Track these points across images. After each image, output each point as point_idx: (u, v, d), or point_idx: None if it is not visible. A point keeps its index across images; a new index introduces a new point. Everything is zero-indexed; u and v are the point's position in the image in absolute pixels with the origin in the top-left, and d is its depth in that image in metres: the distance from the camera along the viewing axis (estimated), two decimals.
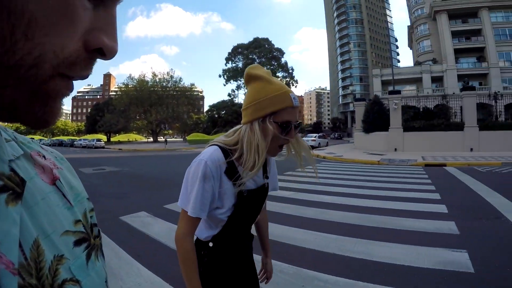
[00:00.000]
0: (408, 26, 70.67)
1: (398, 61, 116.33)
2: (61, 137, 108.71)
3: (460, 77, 48.83)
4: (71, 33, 0.34)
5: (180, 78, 71.74)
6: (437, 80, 55.06)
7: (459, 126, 25.69)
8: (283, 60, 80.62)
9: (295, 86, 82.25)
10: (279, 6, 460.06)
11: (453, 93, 36.71)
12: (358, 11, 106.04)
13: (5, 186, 0.38)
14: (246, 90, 1.59)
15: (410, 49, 74.91)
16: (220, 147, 1.54)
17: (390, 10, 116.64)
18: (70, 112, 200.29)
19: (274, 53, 79.60)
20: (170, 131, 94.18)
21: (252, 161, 1.47)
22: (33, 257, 0.38)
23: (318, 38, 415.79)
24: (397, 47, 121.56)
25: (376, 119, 27.97)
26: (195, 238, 1.61)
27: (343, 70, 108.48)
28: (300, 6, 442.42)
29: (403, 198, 8.79)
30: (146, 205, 7.96)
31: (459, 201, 8.48)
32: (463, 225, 6.27)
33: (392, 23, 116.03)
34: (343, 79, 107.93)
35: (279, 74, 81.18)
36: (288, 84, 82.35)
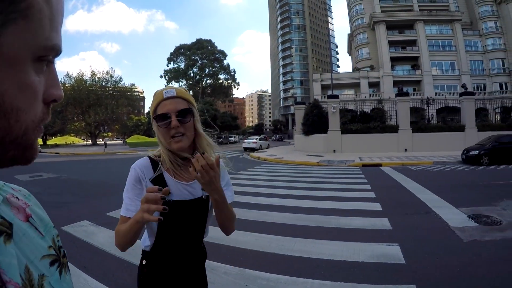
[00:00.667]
0: (348, 34, 72.93)
1: (338, 67, 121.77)
2: None
3: (396, 83, 50.94)
4: (37, 104, 0.47)
5: (121, 77, 68.45)
6: (374, 85, 57.25)
7: (394, 129, 27.14)
8: (225, 62, 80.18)
9: (237, 89, 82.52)
10: (224, 8, 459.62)
11: (389, 98, 38.18)
12: (301, 17, 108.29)
13: (3, 230, 0.50)
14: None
15: (350, 55, 77.42)
16: (149, 157, 1.65)
17: (332, 18, 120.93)
18: None
19: (217, 55, 78.96)
20: (110, 134, 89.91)
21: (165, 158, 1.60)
22: (27, 278, 0.51)
23: (261, 41, 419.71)
24: (337, 53, 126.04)
25: (316, 122, 28.57)
26: (141, 247, 1.70)
27: (284, 74, 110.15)
28: (245, 9, 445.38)
29: (340, 197, 9.20)
30: (88, 214, 7.61)
31: (392, 199, 9.05)
32: (396, 220, 6.72)
33: (333, 30, 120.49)
34: (285, 82, 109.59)
35: (221, 76, 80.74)
36: (229, 86, 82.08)
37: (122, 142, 73.14)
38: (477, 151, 18.01)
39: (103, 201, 9.26)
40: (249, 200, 8.71)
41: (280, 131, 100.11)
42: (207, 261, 1.80)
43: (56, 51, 0.47)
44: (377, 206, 8.06)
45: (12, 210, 0.56)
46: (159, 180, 1.56)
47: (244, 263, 4.61)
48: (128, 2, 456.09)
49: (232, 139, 65.66)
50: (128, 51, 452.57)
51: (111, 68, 77.59)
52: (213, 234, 5.15)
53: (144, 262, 1.64)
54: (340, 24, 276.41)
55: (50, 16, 0.44)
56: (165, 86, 1.76)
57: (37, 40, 0.43)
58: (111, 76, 63.85)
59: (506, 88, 52.68)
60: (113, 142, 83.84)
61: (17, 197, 0.61)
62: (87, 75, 61.82)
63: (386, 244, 5.33)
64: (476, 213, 7.34)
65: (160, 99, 1.56)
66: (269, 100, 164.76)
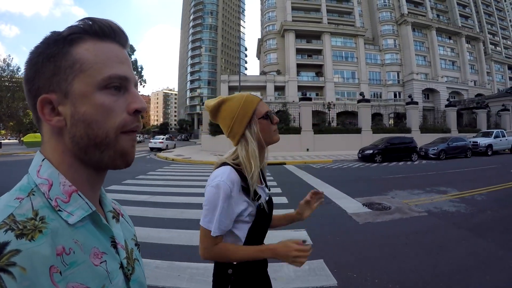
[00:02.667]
0: (258, 38, 74.19)
1: (246, 69, 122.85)
2: None
3: (300, 88, 53.04)
4: (114, 115, 0.70)
5: (19, 67, 60.43)
6: (280, 89, 59.12)
7: (297, 130, 28.06)
8: (133, 57, 76.67)
9: (143, 86, 78.73)
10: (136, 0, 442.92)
11: (293, 101, 39.68)
12: (215, 18, 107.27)
13: (114, 216, 0.84)
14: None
15: (258, 59, 79.08)
16: (233, 167, 1.59)
17: (244, 22, 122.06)
18: None
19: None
20: (3, 131, 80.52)
21: (253, 168, 1.58)
22: (125, 245, 0.81)
23: (172, 38, 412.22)
24: (246, 56, 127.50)
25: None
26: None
27: (192, 73, 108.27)
28: (159, 3, 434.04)
29: None
30: None
31: (297, 193, 9.56)
32: None
33: (244, 34, 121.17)
34: (192, 81, 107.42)
35: None
36: (136, 84, 78.88)
37: (17, 141, 66.01)
38: (372, 151, 19.87)
39: None
40: (164, 200, 8.79)
41: (185, 130, 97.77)
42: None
43: (120, 78, 0.71)
44: (284, 200, 8.70)
45: (114, 208, 0.88)
46: (247, 189, 1.58)
47: (172, 256, 4.83)
48: None
49: (137, 138, 63.10)
50: (29, 36, 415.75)
51: (9, 56, 68.88)
52: (139, 232, 4.74)
53: (230, 271, 1.61)
54: (251, 29, 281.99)
55: (101, 61, 0.69)
56: None
57: (94, 79, 0.68)
58: (8, 65, 55.76)
59: (399, 96, 58.83)
60: (7, 141, 75.59)
61: (115, 203, 0.93)
62: None
63: (295, 230, 5.87)
64: (369, 201, 8.43)
65: (258, 100, 1.65)
66: (175, 99, 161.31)
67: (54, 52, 0.67)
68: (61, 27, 0.76)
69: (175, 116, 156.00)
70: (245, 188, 1.56)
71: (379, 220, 6.75)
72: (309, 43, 61.05)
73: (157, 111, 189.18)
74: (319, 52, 60.77)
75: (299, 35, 60.65)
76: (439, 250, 4.97)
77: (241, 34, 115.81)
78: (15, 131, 71.09)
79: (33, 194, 0.65)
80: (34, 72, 0.68)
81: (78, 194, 0.70)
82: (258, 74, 67.16)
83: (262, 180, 1.75)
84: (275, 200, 7.18)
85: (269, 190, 1.81)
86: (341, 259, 4.71)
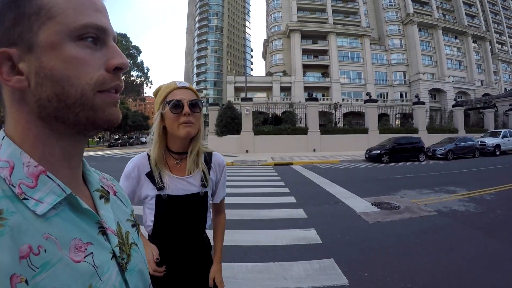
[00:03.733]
0: (264, 39, 74.26)
1: (252, 70, 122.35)
2: None
3: (306, 89, 53.02)
4: (90, 70, 0.58)
5: None
6: (286, 89, 58.83)
7: (304, 131, 28.09)
8: (139, 59, 76.64)
9: (149, 87, 78.84)
10: (143, 1, 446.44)
11: (299, 102, 39.53)
12: (220, 19, 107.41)
13: (102, 195, 0.71)
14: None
15: (264, 60, 79.14)
16: (148, 154, 1.71)
17: (250, 23, 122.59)
18: None
19: (131, 51, 75.31)
20: None
21: (153, 153, 1.65)
22: (118, 230, 0.70)
23: (178, 39, 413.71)
24: (252, 57, 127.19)
25: (229, 123, 28.58)
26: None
27: (198, 74, 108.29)
28: (165, 5, 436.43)
29: (258, 193, 9.75)
30: None
31: (305, 192, 9.87)
32: (310, 210, 7.48)
33: (250, 35, 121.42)
34: (198, 82, 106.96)
35: (134, 74, 76.98)
36: (142, 84, 79.00)
37: None
38: (379, 151, 19.82)
39: None
40: None
41: None
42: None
43: (97, 28, 0.58)
44: (292, 199, 8.74)
45: (103, 186, 0.75)
46: (152, 174, 1.64)
47: None
48: None
49: (144, 139, 63.00)
50: None
51: None
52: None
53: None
54: (257, 29, 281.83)
55: (74, 7, 0.57)
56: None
57: (65, 27, 0.55)
58: None
59: (406, 97, 58.32)
60: None
61: (106, 179, 0.82)
62: None
63: (303, 229, 5.98)
64: (378, 201, 8.40)
65: (173, 87, 1.63)
66: None
67: None
68: None
69: None
70: (151, 175, 1.64)
71: (388, 219, 6.75)
72: (315, 44, 60.77)
73: None
74: (325, 52, 60.47)
75: (305, 35, 60.42)
76: (450, 249, 4.95)
77: (247, 35, 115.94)
78: None
79: None
80: None
81: (47, 176, 0.57)
82: (264, 75, 67.12)
83: (192, 171, 1.69)
84: (283, 199, 9.15)
85: (206, 186, 1.71)
86: (351, 258, 4.68)
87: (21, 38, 0.55)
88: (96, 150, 43.34)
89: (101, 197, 0.70)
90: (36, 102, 0.56)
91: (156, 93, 1.73)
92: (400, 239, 5.50)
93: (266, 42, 71.40)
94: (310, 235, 5.65)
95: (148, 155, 1.69)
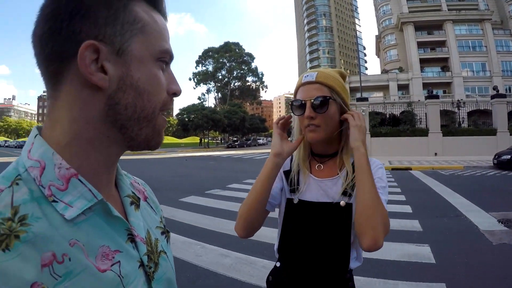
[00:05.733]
0: (376, 35, 72.35)
1: (366, 69, 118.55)
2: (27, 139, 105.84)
3: (425, 85, 50.16)
4: (162, 90, 0.63)
5: None
6: (403, 87, 56.44)
7: (424, 132, 26.83)
8: (253, 65, 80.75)
9: (265, 91, 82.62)
10: (253, 10, 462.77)
11: (418, 100, 37.72)
12: (328, 19, 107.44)
13: (132, 201, 0.70)
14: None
15: (378, 57, 76.62)
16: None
17: (359, 19, 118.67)
18: (36, 112, 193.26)
19: (245, 58, 79.57)
20: None
21: (299, 151, 1.50)
22: (148, 237, 0.69)
23: (289, 43, 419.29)
24: (365, 55, 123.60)
25: None
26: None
27: None
28: (273, 11, 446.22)
29: None
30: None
31: (422, 202, 9.13)
32: (426, 223, 6.88)
33: (360, 32, 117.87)
34: None
35: (249, 79, 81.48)
36: (257, 88, 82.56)
37: None
38: (510, 156, 17.49)
39: (162, 194, 10.07)
40: None
41: None
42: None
43: (170, 55, 0.65)
44: (407, 209, 8.23)
45: (135, 191, 0.76)
46: (296, 176, 1.45)
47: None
48: None
49: (261, 141, 66.13)
50: None
51: None
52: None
53: (270, 278, 1.50)
54: (367, 26, 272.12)
55: (159, 31, 0.63)
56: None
57: (152, 46, 0.61)
58: None
59: None
60: None
61: (138, 183, 0.83)
62: None
63: (416, 244, 5.56)
64: (506, 217, 7.31)
65: (299, 84, 1.45)
66: None
67: None
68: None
69: None
70: (288, 174, 1.47)
71: None
72: (430, 35, 57.08)
73: (279, 115, 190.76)
74: (442, 43, 56.40)
75: (418, 27, 57.02)
76: None
77: (357, 32, 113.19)
78: None
79: (17, 184, 0.52)
80: (77, 10, 0.54)
81: (79, 179, 0.56)
82: (379, 73, 64.64)
83: (333, 174, 1.43)
84: (397, 208, 8.14)
85: (350, 195, 1.36)
86: (467, 284, 4.15)
87: (112, 39, 0.56)
88: (215, 151, 46.72)
89: (131, 203, 0.70)
90: (111, 105, 0.58)
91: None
92: None
93: (378, 38, 69.51)
94: (423, 252, 5.17)
95: (292, 156, 1.52)
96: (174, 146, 51.94)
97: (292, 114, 1.46)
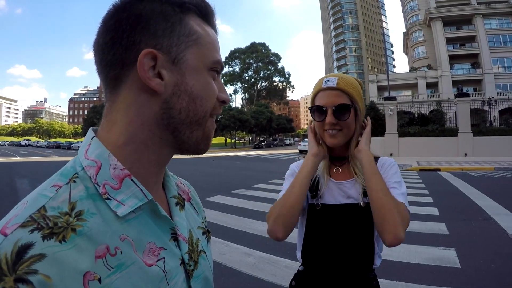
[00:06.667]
0: (403, 32, 71.27)
1: (394, 67, 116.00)
2: (58, 139, 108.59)
3: (455, 83, 49.02)
4: (213, 97, 0.68)
5: None
6: (432, 85, 55.39)
7: (453, 132, 26.06)
8: (279, 65, 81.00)
9: (292, 91, 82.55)
10: (278, 10, 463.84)
11: (448, 99, 37.09)
12: (354, 17, 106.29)
13: (178, 202, 0.75)
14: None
15: (406, 55, 75.44)
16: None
17: (386, 16, 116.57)
18: (67, 114, 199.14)
19: (271, 58, 79.85)
20: None
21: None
22: (190, 237, 0.73)
23: (315, 42, 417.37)
24: (393, 53, 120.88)
25: (372, 125, 27.79)
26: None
27: None
28: (299, 10, 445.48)
29: None
30: None
31: (450, 204, 8.94)
32: (453, 226, 6.73)
33: (387, 29, 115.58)
34: None
35: (276, 79, 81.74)
36: (284, 88, 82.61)
37: None
38: None
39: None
40: None
41: None
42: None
43: (221, 65, 0.70)
44: (434, 211, 8.06)
45: (179, 192, 0.80)
46: (316, 181, 1.50)
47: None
48: None
49: (287, 141, 66.12)
50: None
51: None
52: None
53: (293, 283, 1.52)
54: (394, 23, 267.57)
55: (211, 43, 0.69)
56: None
57: (206, 57, 0.67)
58: None
59: None
60: None
61: (183, 184, 0.87)
62: None
63: (442, 248, 5.42)
64: None
65: (318, 88, 1.47)
66: None
67: (169, 12, 0.63)
68: None
69: None
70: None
71: None
72: (459, 30, 55.39)
73: (307, 115, 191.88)
74: (472, 39, 54.39)
75: (447, 22, 55.47)
76: None
77: (384, 30, 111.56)
78: None
79: (74, 181, 0.57)
80: (138, 23, 0.61)
81: (132, 180, 0.61)
82: (408, 71, 63.49)
83: (351, 175, 1.49)
84: (424, 210, 8.05)
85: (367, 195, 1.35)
86: None
87: (168, 49, 0.62)
88: (241, 151, 47.00)
89: (177, 204, 0.74)
90: (165, 109, 0.63)
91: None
92: None
93: (406, 35, 68.34)
94: (448, 256, 5.05)
95: None
96: (218, 146, 52.87)
97: (312, 119, 1.49)
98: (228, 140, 68.57)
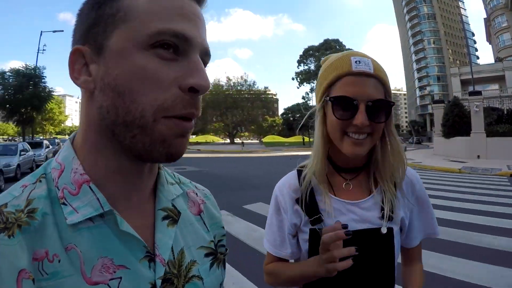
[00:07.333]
0: (484, 18, 68.10)
1: (477, 58, 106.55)
2: None
3: None
4: (157, 87, 0.52)
5: (254, 81, 74.77)
6: None
7: None
8: None
9: None
10: (350, 4, 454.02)
11: None
12: (429, 5, 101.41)
13: (168, 216, 0.65)
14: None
15: (489, 43, 71.83)
16: (298, 170, 1.20)
17: (463, 2, 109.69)
18: None
19: None
20: (246, 133, 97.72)
21: (310, 166, 1.12)
22: (178, 258, 0.64)
23: (391, 36, 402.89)
24: (475, 42, 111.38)
25: (456, 123, 25.20)
26: None
27: (418, 70, 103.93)
28: (371, 4, 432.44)
29: (484, 211, 7.93)
30: (226, 205, 8.32)
31: None
32: None
33: (467, 16, 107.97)
34: (419, 79, 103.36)
35: None
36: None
37: (258, 141, 79.75)
38: None
39: (240, 194, 10.40)
40: None
41: (417, 132, 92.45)
42: None
43: (178, 36, 0.53)
44: None
45: (188, 203, 0.74)
46: (311, 200, 1.10)
47: None
48: (254, 10, 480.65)
49: None
50: (259, 56, 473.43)
51: (245, 73, 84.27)
52: None
53: None
54: (474, 8, 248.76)
55: (151, 11, 0.52)
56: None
57: (137, 33, 0.52)
58: (245, 81, 71.92)
59: None
60: (249, 141, 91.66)
61: (196, 194, 0.79)
62: (223, 81, 70.17)
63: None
64: None
65: (345, 70, 1.00)
66: (404, 99, 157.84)
67: None
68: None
69: (406, 117, 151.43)
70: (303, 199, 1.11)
71: None
72: None
73: None
74: None
75: None
76: None
77: (463, 17, 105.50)
78: (256, 133, 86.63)
79: (40, 181, 0.56)
80: (76, 23, 0.57)
81: (89, 187, 0.55)
82: (493, 61, 60.12)
83: (367, 194, 1.13)
84: (510, 224, 7.06)
85: (391, 218, 1.08)
86: None
87: (95, 39, 0.54)
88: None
89: (166, 217, 0.64)
90: (97, 108, 0.55)
91: (323, 68, 1.12)
92: None
93: (487, 22, 65.23)
94: None
95: (299, 173, 1.17)
96: (278, 145, 55.22)
97: (333, 114, 1.02)
98: (306, 139, 70.69)
